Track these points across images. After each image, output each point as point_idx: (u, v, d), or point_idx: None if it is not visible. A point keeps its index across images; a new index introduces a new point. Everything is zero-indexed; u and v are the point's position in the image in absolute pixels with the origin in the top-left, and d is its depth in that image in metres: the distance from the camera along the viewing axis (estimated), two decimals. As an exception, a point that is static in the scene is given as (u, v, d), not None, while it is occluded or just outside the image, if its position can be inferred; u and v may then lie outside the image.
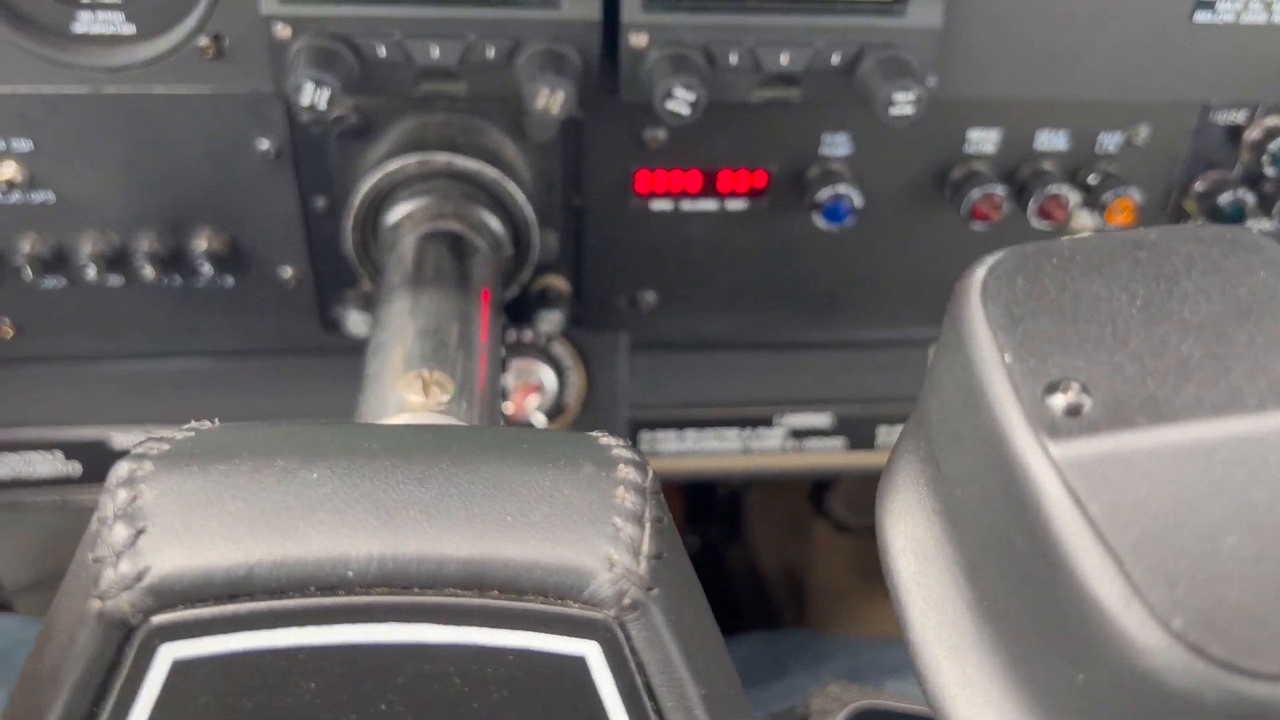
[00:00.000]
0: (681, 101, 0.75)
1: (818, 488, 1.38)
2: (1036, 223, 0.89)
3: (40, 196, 0.84)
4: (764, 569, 1.51)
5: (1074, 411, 0.32)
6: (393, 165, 0.80)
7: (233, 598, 0.36)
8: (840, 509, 1.34)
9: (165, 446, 0.40)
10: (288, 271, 0.91)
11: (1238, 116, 0.90)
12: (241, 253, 0.89)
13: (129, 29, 0.79)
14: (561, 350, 1.00)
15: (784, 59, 0.77)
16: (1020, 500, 0.33)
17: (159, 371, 0.99)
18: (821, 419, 1.06)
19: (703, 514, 1.59)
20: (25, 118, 0.81)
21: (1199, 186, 0.93)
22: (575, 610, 0.37)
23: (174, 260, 0.88)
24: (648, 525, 0.39)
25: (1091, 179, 0.90)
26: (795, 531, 1.42)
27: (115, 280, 0.89)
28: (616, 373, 1.02)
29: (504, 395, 0.99)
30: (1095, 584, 0.31)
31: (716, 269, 0.95)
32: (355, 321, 0.90)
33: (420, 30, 0.75)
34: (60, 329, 0.92)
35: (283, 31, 0.74)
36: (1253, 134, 0.90)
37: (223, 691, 0.37)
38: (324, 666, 0.37)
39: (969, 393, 0.35)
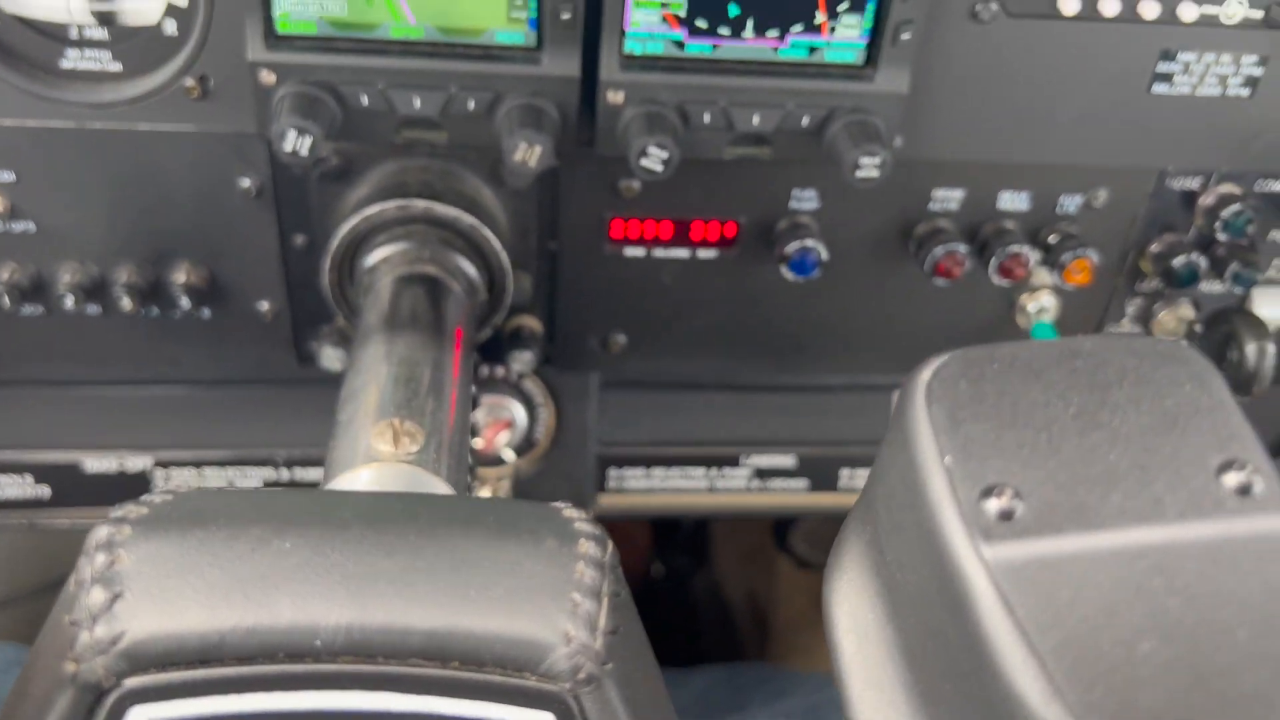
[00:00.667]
0: (655, 159, 0.77)
1: (780, 524, 1.40)
2: (997, 280, 0.92)
3: (21, 226, 0.85)
4: (728, 598, 1.53)
5: (1007, 516, 0.35)
6: (372, 210, 0.81)
7: (204, 663, 0.38)
8: (801, 546, 1.36)
9: (144, 510, 0.41)
10: (265, 306, 0.92)
11: (1193, 183, 0.93)
12: (220, 286, 0.91)
13: (115, 67, 0.81)
14: (532, 387, 1.02)
15: (756, 120, 0.79)
16: (954, 596, 0.35)
17: (133, 398, 1.00)
18: (786, 460, 1.08)
19: (668, 541, 1.61)
20: (9, 149, 0.82)
21: (1155, 248, 0.96)
22: (532, 683, 0.39)
23: (152, 292, 0.89)
24: (605, 600, 0.41)
25: (1051, 239, 0.93)
26: (759, 563, 1.44)
27: (93, 309, 0.90)
28: (587, 411, 1.04)
29: (474, 431, 1.01)
30: (1019, 681, 0.33)
31: (686, 314, 0.97)
32: (329, 357, 0.92)
33: (403, 81, 0.76)
34: (36, 355, 0.93)
35: (268, 78, 0.76)
36: (1207, 200, 0.93)
37: (191, 755, 0.38)
38: (290, 733, 0.39)
39: (912, 490, 0.37)
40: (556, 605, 0.40)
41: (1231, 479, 0.35)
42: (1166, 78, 0.85)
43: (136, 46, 0.80)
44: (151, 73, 0.81)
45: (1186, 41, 0.83)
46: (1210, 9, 0.82)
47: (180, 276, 0.89)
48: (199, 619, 0.38)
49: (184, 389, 1.01)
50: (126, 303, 0.87)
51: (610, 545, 0.43)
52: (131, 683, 0.37)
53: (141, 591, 0.38)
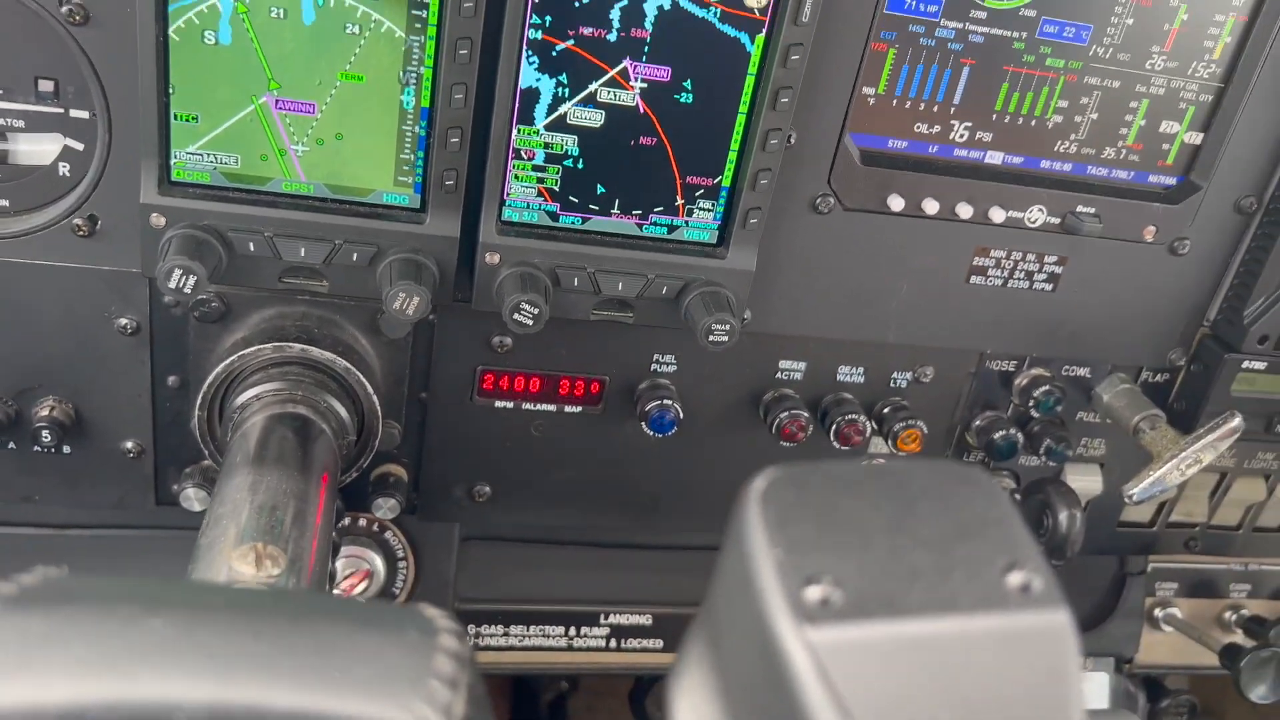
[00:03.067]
0: (526, 314, 0.82)
1: (638, 690, 1.41)
2: (837, 445, 1.00)
3: (-120, 352, 0.85)
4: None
5: (826, 602, 0.39)
6: (248, 350, 0.84)
7: (63, 741, 0.38)
8: (655, 711, 1.37)
9: (12, 589, 0.42)
10: (129, 444, 0.92)
11: (1009, 365, 1.04)
12: (85, 423, 0.91)
13: (2, 203, 0.83)
14: (393, 539, 1.03)
15: (620, 286, 0.87)
16: (780, 676, 0.39)
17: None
18: (642, 619, 1.11)
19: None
20: None
21: (978, 423, 1.05)
22: (388, 767, 0.41)
23: (11, 425, 0.89)
24: (462, 690, 0.43)
25: (885, 410, 1.02)
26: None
27: (-56, 440, 0.89)
28: (447, 565, 1.05)
29: (333, 580, 1.00)
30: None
31: (551, 467, 1.01)
32: (191, 498, 0.92)
33: (290, 231, 0.81)
34: None
35: (158, 220, 0.79)
36: (1021, 381, 1.04)
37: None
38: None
39: (744, 581, 0.41)
40: (414, 690, 0.42)
41: (1015, 578, 0.41)
42: (981, 270, 0.97)
43: (27, 184, 0.83)
44: (40, 210, 0.83)
45: (997, 240, 0.95)
46: (1016, 214, 0.94)
47: (43, 410, 0.89)
48: (61, 691, 0.39)
49: (34, 530, 0.99)
50: (-18, 434, 0.86)
51: (470, 641, 0.45)
52: (-15, 760, 0.38)
53: (4, 663, 0.39)
